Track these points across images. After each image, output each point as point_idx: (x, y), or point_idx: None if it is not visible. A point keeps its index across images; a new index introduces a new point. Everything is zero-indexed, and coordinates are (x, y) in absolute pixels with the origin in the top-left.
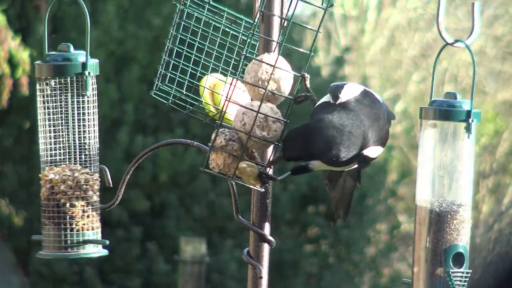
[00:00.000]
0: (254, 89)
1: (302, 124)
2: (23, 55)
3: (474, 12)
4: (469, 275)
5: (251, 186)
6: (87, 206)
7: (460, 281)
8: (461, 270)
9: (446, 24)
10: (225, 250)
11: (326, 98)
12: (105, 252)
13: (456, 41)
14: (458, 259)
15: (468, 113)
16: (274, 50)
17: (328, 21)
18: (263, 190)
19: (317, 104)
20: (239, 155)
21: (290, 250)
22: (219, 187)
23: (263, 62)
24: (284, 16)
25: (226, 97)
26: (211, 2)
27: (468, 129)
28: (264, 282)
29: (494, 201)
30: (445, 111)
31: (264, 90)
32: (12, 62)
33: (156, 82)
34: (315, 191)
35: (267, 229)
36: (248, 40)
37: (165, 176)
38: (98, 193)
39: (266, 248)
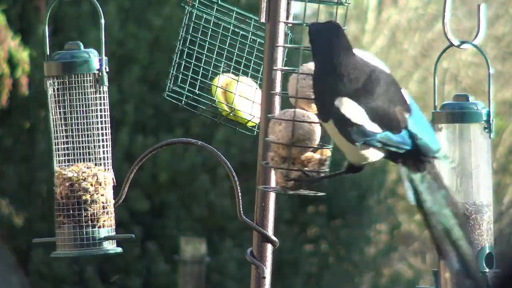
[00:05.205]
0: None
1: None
2: (23, 55)
3: (480, 14)
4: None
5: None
6: (106, 203)
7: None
8: (494, 270)
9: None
10: (225, 250)
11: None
12: (119, 249)
13: (462, 42)
14: (488, 260)
15: (488, 113)
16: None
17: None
18: (314, 194)
19: None
20: (277, 166)
21: (290, 250)
22: (219, 187)
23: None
24: (289, 16)
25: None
26: (219, 2)
27: (489, 129)
28: (267, 282)
29: (494, 201)
30: (462, 113)
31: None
32: (12, 62)
33: (168, 84)
34: None
35: (270, 229)
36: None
37: (165, 176)
38: (112, 191)
39: (269, 248)
